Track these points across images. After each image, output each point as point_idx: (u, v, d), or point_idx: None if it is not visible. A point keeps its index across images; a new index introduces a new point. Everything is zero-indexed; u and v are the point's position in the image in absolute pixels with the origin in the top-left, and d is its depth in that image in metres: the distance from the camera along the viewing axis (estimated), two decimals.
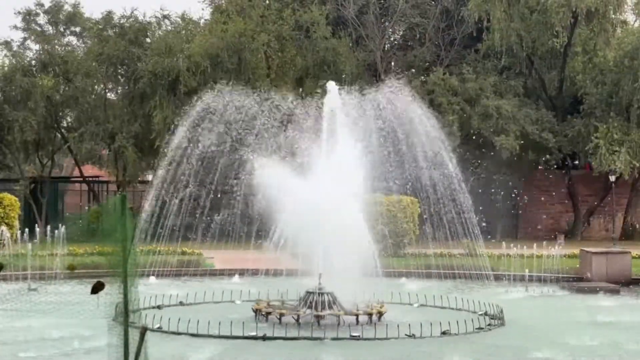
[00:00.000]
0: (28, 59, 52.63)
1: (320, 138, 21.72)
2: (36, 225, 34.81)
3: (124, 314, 6.55)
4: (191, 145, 24.98)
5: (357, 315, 18.99)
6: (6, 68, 51.13)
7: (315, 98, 23.85)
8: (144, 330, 6.14)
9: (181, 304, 22.43)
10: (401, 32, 60.42)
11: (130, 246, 6.73)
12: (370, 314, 19.29)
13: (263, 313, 19.38)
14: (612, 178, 48.56)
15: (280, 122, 24.29)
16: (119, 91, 55.08)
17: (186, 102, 39.88)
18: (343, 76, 47.21)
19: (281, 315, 18.93)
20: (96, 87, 53.80)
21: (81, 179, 56.87)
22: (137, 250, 7.00)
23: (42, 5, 55.55)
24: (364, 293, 20.45)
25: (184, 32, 52.89)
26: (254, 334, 17.43)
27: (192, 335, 17.39)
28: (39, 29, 55.01)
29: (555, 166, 54.19)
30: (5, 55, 52.64)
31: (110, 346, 6.15)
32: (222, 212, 26.39)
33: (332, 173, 20.46)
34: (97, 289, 6.81)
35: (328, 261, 19.98)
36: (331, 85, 22.67)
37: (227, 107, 24.32)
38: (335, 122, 21.58)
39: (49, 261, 28.64)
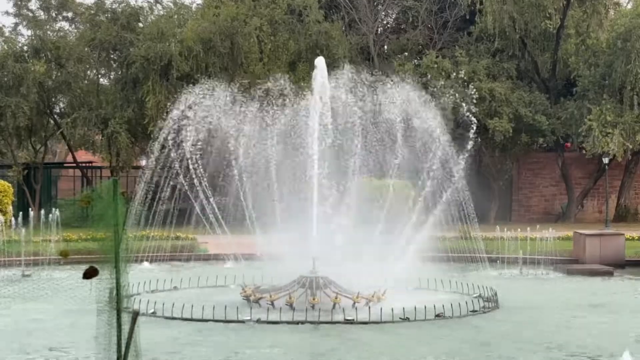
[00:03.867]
0: (20, 45, 52.42)
1: (311, 116, 21.65)
2: (30, 211, 34.74)
3: (117, 298, 6.50)
4: (182, 132, 24.90)
5: (354, 300, 18.91)
6: None
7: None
8: (135, 315, 6.09)
9: (175, 288, 22.43)
10: (394, 15, 60.33)
11: (122, 231, 6.67)
12: (368, 300, 19.19)
13: (252, 299, 19.30)
14: (606, 160, 48.59)
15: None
16: (111, 76, 54.97)
17: (179, 87, 39.85)
18: (337, 58, 47.03)
19: (272, 300, 18.87)
20: (89, 72, 53.69)
21: (74, 164, 56.78)
22: (128, 235, 6.93)
23: None
24: (358, 277, 20.45)
25: (176, 16, 52.75)
26: (248, 318, 17.40)
27: (185, 319, 17.37)
28: (30, 14, 54.77)
29: (548, 148, 54.22)
30: None
31: (99, 331, 6.10)
32: (217, 197, 26.33)
33: (320, 153, 20.46)
34: (90, 274, 6.74)
35: (321, 245, 19.98)
36: (319, 61, 22.57)
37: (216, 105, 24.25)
38: (326, 97, 21.49)
39: (43, 247, 28.60)
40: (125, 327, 6.24)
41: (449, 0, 55.18)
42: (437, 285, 22.67)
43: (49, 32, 53.14)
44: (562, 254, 30.29)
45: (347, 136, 22.11)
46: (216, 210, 25.84)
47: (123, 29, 49.61)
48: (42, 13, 55.24)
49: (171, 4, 54.13)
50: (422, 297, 20.44)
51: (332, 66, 24.48)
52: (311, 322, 17.22)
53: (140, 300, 17.86)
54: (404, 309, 17.69)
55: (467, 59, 50.78)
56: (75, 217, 38.66)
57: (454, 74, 49.20)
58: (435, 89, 43.77)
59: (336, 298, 18.57)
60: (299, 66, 48.71)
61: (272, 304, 18.64)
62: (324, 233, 20.62)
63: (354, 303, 18.65)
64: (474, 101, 42.01)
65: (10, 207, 37.53)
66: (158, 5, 53.78)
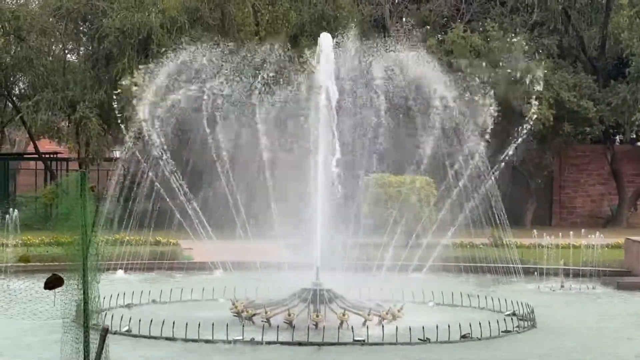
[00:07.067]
0: None
1: (314, 103, 21.67)
2: None
3: (84, 312, 6.49)
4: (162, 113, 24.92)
5: (365, 318, 18.89)
6: None
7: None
8: (105, 332, 6.09)
9: (154, 302, 22.48)
10: None
11: (90, 234, 6.65)
12: (382, 317, 19.17)
13: (245, 315, 19.30)
14: None
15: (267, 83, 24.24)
16: (80, 52, 54.89)
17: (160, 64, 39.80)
18: (351, 31, 46.97)
19: (268, 317, 18.85)
20: (54, 47, 53.57)
21: (36, 155, 56.78)
22: (99, 239, 6.93)
23: None
24: (369, 290, 20.49)
25: None
26: (239, 337, 17.41)
27: (167, 339, 17.38)
28: None
29: (596, 140, 54.10)
30: None
31: (64, 350, 6.11)
32: (203, 194, 26.35)
33: (326, 146, 20.52)
34: (52, 284, 6.74)
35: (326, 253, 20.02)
36: (325, 38, 22.53)
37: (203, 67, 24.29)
38: (331, 82, 21.52)
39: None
40: (94, 346, 6.24)
41: None
42: (463, 300, 22.66)
43: (6, 0, 53.15)
44: (611, 265, 30.24)
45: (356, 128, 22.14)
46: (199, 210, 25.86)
47: None
48: None
49: None
50: (446, 314, 20.44)
51: (341, 42, 24.42)
52: (314, 344, 17.22)
53: (112, 316, 17.88)
54: (423, 328, 17.68)
55: (501, 34, 50.67)
56: (36, 217, 38.72)
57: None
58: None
59: (344, 315, 18.55)
60: (302, 41, 48.65)
61: (268, 321, 18.62)
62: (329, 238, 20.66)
63: (365, 321, 18.64)
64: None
65: None
66: None
